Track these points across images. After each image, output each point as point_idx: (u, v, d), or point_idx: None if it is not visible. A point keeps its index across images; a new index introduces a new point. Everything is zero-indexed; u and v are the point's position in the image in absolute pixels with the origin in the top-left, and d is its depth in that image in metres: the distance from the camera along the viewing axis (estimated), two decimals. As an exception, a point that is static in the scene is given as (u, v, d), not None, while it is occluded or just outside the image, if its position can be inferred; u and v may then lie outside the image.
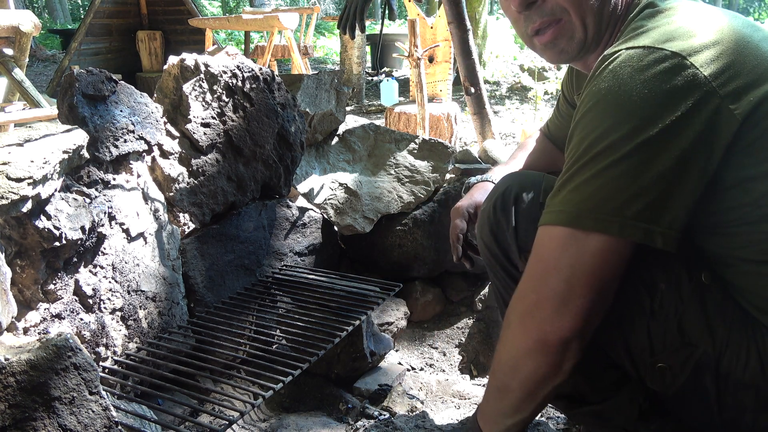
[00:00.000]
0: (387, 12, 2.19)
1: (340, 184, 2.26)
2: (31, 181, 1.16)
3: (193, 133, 1.70)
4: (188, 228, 1.73)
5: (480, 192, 1.45)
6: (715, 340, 0.97)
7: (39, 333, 1.27)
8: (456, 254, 1.43)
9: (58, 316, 1.31)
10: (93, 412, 1.00)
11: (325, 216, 2.19)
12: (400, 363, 2.00)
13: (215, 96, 1.75)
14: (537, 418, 1.55)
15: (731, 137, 0.88)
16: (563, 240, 0.90)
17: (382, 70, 8.95)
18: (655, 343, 1.00)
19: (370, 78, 8.52)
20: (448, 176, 2.45)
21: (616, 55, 0.92)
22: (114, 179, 1.48)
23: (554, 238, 0.91)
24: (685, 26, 0.91)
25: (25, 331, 1.25)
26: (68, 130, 1.36)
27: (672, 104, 0.86)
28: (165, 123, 1.68)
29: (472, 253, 1.43)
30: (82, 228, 1.31)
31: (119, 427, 1.04)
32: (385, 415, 1.65)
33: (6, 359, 0.95)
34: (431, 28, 4.61)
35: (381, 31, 3.04)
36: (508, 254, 1.12)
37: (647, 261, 0.98)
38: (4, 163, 1.16)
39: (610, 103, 0.89)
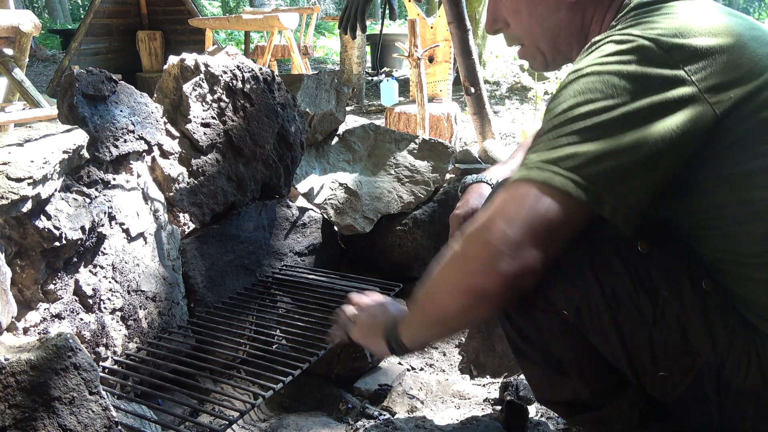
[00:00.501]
0: (387, 12, 2.19)
1: (340, 184, 2.26)
2: (31, 181, 1.16)
3: (193, 133, 1.70)
4: (188, 228, 1.73)
5: (475, 196, 1.44)
6: (717, 348, 0.97)
7: (39, 333, 1.27)
8: None
9: (58, 316, 1.31)
10: (93, 412, 1.00)
11: (325, 216, 2.19)
12: (400, 363, 2.00)
13: (215, 96, 1.75)
14: (537, 418, 1.55)
15: (708, 132, 0.90)
16: (513, 191, 0.93)
17: (382, 70, 8.94)
18: (657, 352, 1.00)
19: (370, 78, 8.52)
20: (448, 176, 2.45)
21: (604, 40, 0.96)
22: (114, 179, 1.48)
23: (508, 190, 0.94)
24: (675, 21, 0.94)
25: (25, 331, 1.25)
26: (68, 130, 1.36)
27: (645, 91, 0.89)
28: (165, 123, 1.68)
29: None
30: (82, 228, 1.31)
31: (119, 427, 1.04)
32: (385, 415, 1.65)
33: (6, 359, 0.95)
34: (431, 28, 4.61)
35: (381, 31, 3.04)
36: None
37: (649, 269, 0.98)
38: (4, 163, 1.16)
39: (587, 81, 0.92)
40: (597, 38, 0.98)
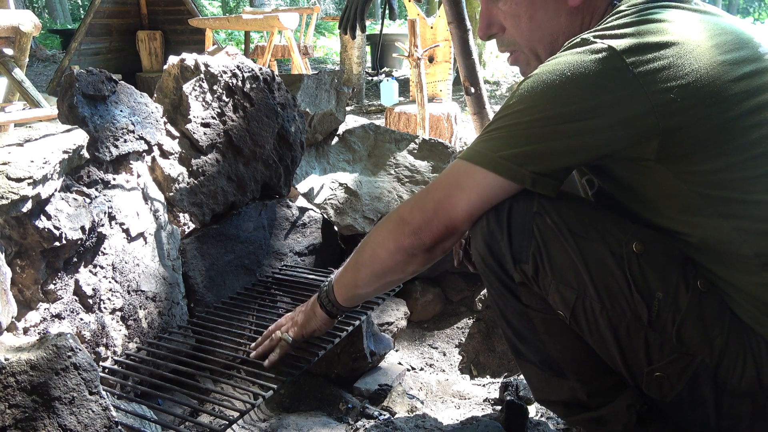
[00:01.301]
0: (387, 12, 2.19)
1: (340, 184, 2.26)
2: (31, 181, 1.16)
3: (193, 133, 1.70)
4: (188, 228, 1.73)
5: None
6: (713, 349, 0.97)
7: (39, 333, 1.27)
8: (457, 258, 1.43)
9: (58, 316, 1.31)
10: (93, 412, 1.00)
11: (325, 216, 2.19)
12: (400, 363, 2.00)
13: (215, 96, 1.75)
14: (537, 418, 1.55)
15: (652, 134, 0.93)
16: (449, 168, 1.08)
17: (382, 70, 8.95)
18: (653, 353, 1.00)
19: (370, 78, 8.53)
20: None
21: (569, 42, 1.01)
22: (114, 179, 1.48)
23: (451, 167, 1.08)
24: (637, 24, 0.96)
25: (25, 331, 1.25)
26: (68, 130, 1.36)
27: (590, 91, 0.93)
28: (165, 123, 1.68)
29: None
30: (82, 228, 1.31)
31: (119, 427, 1.04)
32: (385, 415, 1.65)
33: (6, 359, 0.95)
34: (431, 28, 4.61)
35: (381, 31, 3.04)
36: (502, 265, 1.08)
37: (643, 269, 0.98)
38: (4, 163, 1.16)
39: (538, 78, 0.98)
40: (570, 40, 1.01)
